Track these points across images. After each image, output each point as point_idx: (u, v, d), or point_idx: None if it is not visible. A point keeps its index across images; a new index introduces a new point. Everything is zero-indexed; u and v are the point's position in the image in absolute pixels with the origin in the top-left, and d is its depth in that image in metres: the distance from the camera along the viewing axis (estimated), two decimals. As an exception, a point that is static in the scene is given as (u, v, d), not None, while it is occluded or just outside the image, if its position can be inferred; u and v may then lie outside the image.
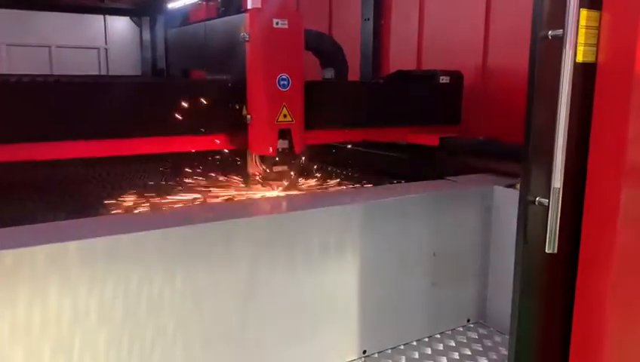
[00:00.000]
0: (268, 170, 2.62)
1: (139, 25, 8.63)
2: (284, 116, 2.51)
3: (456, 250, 2.38)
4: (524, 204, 1.66)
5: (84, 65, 8.18)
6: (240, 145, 2.64)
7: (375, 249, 2.13)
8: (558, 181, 1.49)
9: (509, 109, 3.32)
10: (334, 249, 2.03)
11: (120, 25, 8.49)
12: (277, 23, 2.43)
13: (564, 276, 1.65)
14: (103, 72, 8.54)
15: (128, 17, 8.48)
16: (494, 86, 3.39)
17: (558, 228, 1.51)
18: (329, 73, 3.15)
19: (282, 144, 2.56)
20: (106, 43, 8.40)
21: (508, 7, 3.27)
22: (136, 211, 2.50)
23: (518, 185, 2.29)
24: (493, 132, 3.10)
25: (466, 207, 2.40)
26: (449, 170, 2.80)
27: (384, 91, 3.10)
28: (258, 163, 2.62)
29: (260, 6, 2.49)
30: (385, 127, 3.14)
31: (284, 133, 2.55)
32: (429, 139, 3.13)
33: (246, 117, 2.52)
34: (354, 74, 4.08)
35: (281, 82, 2.46)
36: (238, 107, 2.57)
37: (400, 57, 4.04)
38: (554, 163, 1.48)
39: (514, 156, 2.65)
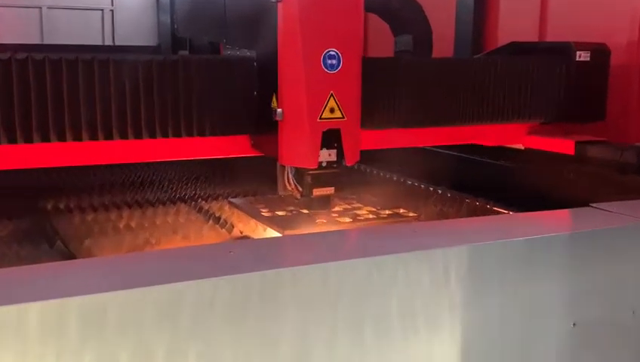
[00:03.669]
0: (306, 192, 2.41)
1: (154, -20, 8.71)
2: (332, 111, 2.30)
3: (607, 318, 2.13)
4: None
5: (84, 32, 8.27)
6: (268, 152, 2.48)
7: (484, 316, 1.93)
8: None
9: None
10: (422, 314, 1.82)
11: (131, -20, 8.57)
12: (324, -26, 2.30)
13: None
14: (108, 41, 8.63)
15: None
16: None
17: None
18: (404, 43, 2.97)
19: (327, 155, 2.34)
20: (112, 4, 8.48)
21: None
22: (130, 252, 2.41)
23: None
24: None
25: (623, 253, 2.12)
26: (587, 190, 2.65)
27: (490, 72, 2.87)
28: (292, 181, 2.41)
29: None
30: (489, 124, 2.95)
31: (330, 137, 2.33)
32: (560, 143, 2.89)
33: (275, 111, 2.30)
34: (446, 49, 3.81)
35: (329, 60, 2.27)
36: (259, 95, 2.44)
37: (514, 24, 3.84)
38: None
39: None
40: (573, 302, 2.04)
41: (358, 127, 2.40)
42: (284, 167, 2.43)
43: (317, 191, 2.42)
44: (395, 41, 2.98)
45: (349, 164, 2.40)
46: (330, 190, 2.44)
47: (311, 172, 2.37)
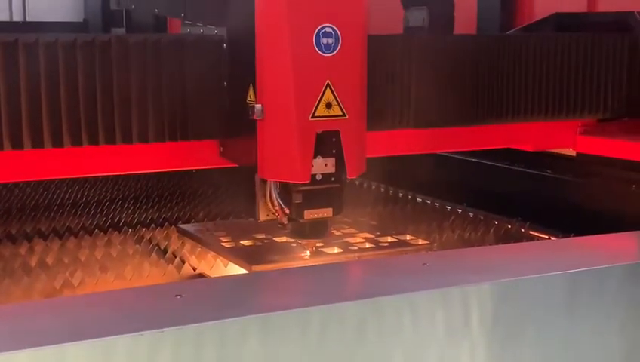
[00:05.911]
0: (295, 216, 2.43)
1: None
2: (328, 106, 2.35)
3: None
4: None
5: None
6: (243, 162, 2.52)
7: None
8: None
9: None
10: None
11: None
12: None
13: None
14: (18, 17, 8.67)
15: None
16: None
17: None
18: (417, 17, 3.05)
19: (323, 165, 2.38)
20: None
21: None
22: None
23: None
24: None
25: None
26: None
27: (529, 53, 2.95)
28: (277, 201, 2.43)
29: None
30: (529, 121, 3.03)
31: (327, 141, 2.38)
32: (625, 147, 2.94)
33: (253, 108, 2.35)
34: (469, 25, 3.88)
35: (324, 39, 2.31)
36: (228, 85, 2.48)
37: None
38: None
39: None
40: (635, 353, 2.09)
41: (364, 128, 2.43)
42: (265, 182, 2.43)
43: (309, 214, 2.44)
44: (405, 16, 3.05)
45: (351, 177, 2.42)
46: (326, 212, 2.46)
47: (302, 188, 2.39)
